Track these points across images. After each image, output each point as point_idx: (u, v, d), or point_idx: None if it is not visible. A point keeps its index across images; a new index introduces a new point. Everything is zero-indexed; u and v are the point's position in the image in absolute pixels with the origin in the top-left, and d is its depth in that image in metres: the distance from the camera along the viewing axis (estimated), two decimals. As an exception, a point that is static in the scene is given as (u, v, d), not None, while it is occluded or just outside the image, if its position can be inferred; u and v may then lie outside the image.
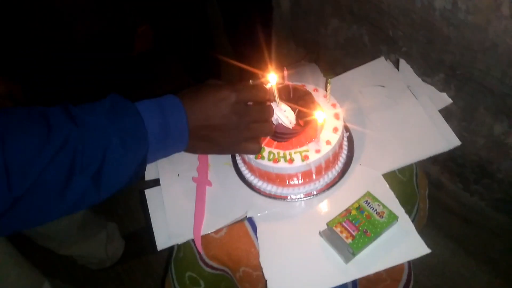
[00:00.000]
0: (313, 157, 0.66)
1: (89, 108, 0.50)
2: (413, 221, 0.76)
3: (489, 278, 1.15)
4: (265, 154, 0.67)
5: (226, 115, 0.58)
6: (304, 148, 0.67)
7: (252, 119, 0.60)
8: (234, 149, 0.65)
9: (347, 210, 0.65)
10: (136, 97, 0.56)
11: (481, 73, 0.86)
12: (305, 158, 0.65)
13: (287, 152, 0.67)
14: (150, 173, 0.79)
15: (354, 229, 0.62)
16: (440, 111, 1.00)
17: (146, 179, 0.79)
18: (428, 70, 0.99)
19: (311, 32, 1.36)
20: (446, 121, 0.90)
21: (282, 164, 0.66)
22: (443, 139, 0.76)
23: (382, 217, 0.63)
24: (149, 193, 0.77)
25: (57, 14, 1.07)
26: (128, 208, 1.57)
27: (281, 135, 0.68)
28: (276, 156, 0.67)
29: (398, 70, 0.92)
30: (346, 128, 0.79)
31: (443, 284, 1.19)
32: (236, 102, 0.58)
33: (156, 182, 0.78)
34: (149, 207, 0.75)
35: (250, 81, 0.67)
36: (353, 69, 0.93)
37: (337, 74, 0.95)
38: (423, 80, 0.90)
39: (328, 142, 0.67)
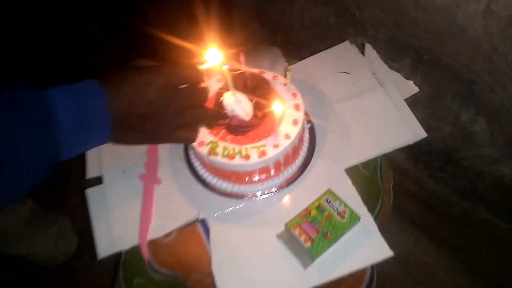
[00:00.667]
0: (271, 152, 0.60)
1: None
2: (377, 215, 0.73)
3: (452, 264, 1.16)
4: (219, 149, 0.61)
5: (153, 101, 0.51)
6: (261, 142, 0.62)
7: (184, 104, 0.54)
8: (167, 138, 0.58)
9: (307, 210, 0.61)
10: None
11: (449, 58, 0.83)
12: (262, 154, 0.60)
13: (243, 147, 0.61)
14: (92, 169, 0.72)
15: (314, 231, 0.58)
16: (406, 97, 0.97)
17: (87, 177, 0.71)
18: (395, 55, 0.95)
19: (276, 12, 1.29)
20: (412, 107, 0.87)
21: (237, 160, 0.60)
22: (409, 130, 0.74)
23: (344, 217, 0.59)
24: (91, 192, 0.70)
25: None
26: (82, 200, 1.48)
27: (236, 128, 0.62)
28: (231, 152, 0.61)
29: (363, 55, 0.87)
30: (308, 119, 0.74)
31: (408, 272, 1.19)
32: (164, 86, 0.51)
33: (99, 180, 0.71)
34: (90, 208, 0.68)
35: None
36: (316, 54, 0.87)
37: (302, 57, 0.89)
38: (390, 66, 0.86)
39: (287, 136, 0.62)
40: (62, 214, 1.32)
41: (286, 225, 0.60)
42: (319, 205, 0.61)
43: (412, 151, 1.13)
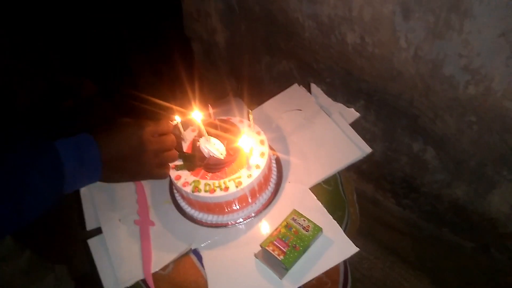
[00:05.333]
0: (246, 182, 0.77)
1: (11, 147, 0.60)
2: (346, 225, 0.88)
3: (426, 285, 1.29)
4: (201, 186, 0.78)
5: (135, 146, 0.72)
6: (236, 175, 0.79)
7: (158, 148, 0.76)
8: (146, 175, 0.79)
9: (277, 229, 0.76)
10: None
11: (394, 98, 1.02)
12: (238, 184, 0.77)
13: (221, 181, 0.78)
14: (91, 222, 0.87)
15: (285, 245, 0.73)
16: (365, 133, 1.14)
17: (88, 229, 0.86)
18: (351, 98, 1.15)
19: (247, 68, 1.50)
20: (371, 143, 1.04)
21: (218, 193, 0.77)
22: (356, 148, 0.90)
23: (308, 230, 0.75)
24: (92, 242, 0.84)
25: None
26: (79, 250, 1.56)
27: (214, 166, 0.80)
28: (212, 187, 0.77)
29: (310, 93, 1.06)
30: (273, 152, 0.92)
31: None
32: (143, 135, 0.73)
33: (98, 231, 0.86)
34: (94, 256, 0.82)
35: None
36: (271, 98, 1.07)
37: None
38: (348, 107, 1.03)
39: (257, 167, 0.79)
40: (59, 263, 1.42)
41: (261, 244, 0.75)
42: (286, 223, 0.77)
43: (379, 181, 1.31)
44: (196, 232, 0.83)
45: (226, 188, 0.76)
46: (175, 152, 0.80)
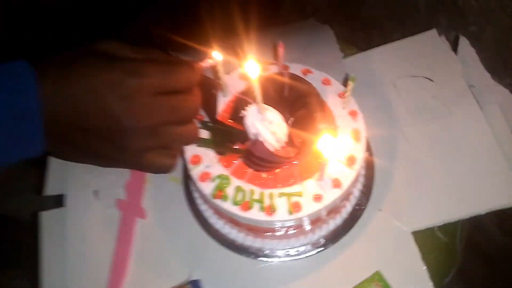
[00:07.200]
0: (309, 208, 0.43)
1: None
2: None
3: None
4: (230, 191, 0.44)
5: (114, 112, 0.38)
6: (296, 188, 0.44)
7: (163, 119, 0.41)
8: (129, 163, 0.45)
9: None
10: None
11: None
12: (294, 207, 0.43)
13: (266, 192, 0.44)
14: (53, 184, 0.58)
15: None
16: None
17: (45, 194, 0.57)
18: (502, 68, 0.75)
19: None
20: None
21: (255, 213, 0.43)
22: None
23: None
24: (46, 217, 0.55)
25: None
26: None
27: (260, 160, 0.45)
28: (247, 198, 0.44)
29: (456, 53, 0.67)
30: (366, 146, 0.55)
31: None
32: (137, 91, 0.38)
33: (60, 200, 0.57)
34: (42, 240, 0.54)
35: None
36: (386, 44, 0.68)
37: (366, 44, 0.70)
38: (495, 79, 0.66)
39: (336, 183, 0.44)
40: None
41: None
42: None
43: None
44: (207, 251, 0.52)
45: (271, 210, 0.43)
46: (194, 128, 0.45)
